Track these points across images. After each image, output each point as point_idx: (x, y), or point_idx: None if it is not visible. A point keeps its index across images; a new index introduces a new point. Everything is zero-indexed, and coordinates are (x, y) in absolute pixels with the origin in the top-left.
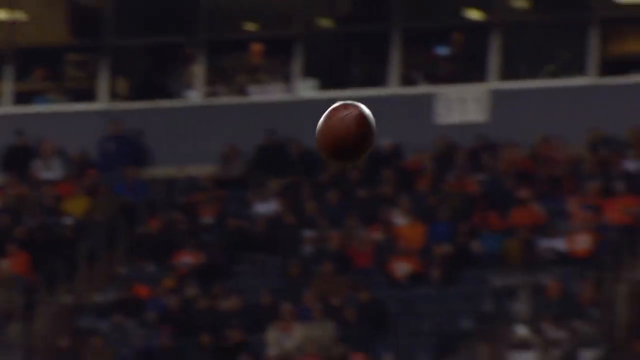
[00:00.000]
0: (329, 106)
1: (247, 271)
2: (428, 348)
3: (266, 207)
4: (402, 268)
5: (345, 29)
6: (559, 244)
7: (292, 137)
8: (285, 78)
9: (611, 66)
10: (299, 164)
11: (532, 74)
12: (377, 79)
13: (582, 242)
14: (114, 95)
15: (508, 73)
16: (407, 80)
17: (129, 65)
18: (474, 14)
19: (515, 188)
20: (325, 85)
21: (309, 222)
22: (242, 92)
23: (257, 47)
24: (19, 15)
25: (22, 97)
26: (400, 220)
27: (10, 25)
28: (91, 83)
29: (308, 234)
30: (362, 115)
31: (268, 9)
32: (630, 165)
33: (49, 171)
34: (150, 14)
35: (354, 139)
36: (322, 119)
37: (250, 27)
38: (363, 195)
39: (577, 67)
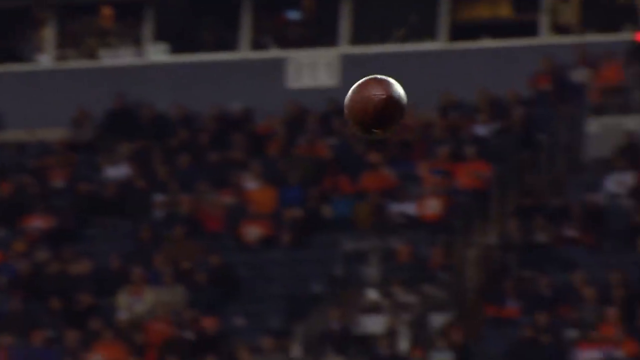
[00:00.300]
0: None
1: (97, 235)
2: (279, 312)
3: (117, 171)
4: (252, 232)
5: None
6: (409, 208)
7: (142, 101)
8: (136, 42)
9: (461, 31)
10: (149, 128)
11: (383, 38)
12: (228, 43)
13: (432, 207)
14: None
15: (359, 37)
16: (257, 45)
17: None
18: None
19: (365, 152)
20: (176, 49)
21: (159, 187)
22: (92, 55)
23: (107, 11)
24: None
25: None
26: (250, 184)
27: None
28: None
29: (159, 198)
30: (390, 98)
31: None
32: (480, 129)
33: None
34: None
35: (379, 119)
36: (352, 90)
37: None
38: (214, 160)
39: (427, 32)
